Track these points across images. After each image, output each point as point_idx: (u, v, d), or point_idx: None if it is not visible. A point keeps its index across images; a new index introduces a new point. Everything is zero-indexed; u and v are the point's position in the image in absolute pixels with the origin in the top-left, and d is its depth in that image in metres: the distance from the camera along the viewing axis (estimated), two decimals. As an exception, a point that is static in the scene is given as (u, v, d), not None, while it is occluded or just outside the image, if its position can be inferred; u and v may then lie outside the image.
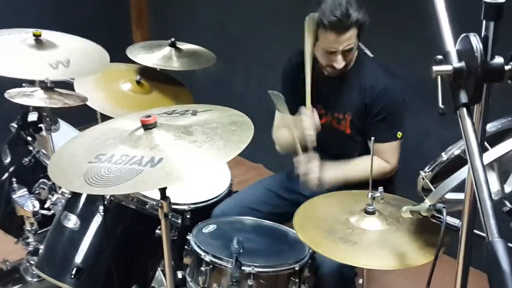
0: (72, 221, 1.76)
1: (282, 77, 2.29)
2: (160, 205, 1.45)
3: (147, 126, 1.37)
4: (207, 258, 1.81)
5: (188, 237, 1.92)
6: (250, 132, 1.38)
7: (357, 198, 1.68)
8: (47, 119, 1.95)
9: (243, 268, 1.73)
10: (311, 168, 2.05)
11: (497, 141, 1.33)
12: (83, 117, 2.48)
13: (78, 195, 1.79)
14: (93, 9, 3.87)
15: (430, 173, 1.39)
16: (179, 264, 2.04)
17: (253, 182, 2.42)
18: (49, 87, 1.83)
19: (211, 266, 1.80)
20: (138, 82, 2.67)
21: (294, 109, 2.12)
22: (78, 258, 1.72)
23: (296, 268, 1.80)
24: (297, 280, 1.81)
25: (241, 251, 1.74)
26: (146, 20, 4.23)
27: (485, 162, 1.29)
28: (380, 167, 2.05)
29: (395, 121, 2.06)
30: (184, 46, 2.86)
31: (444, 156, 1.41)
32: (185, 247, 1.89)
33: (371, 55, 2.10)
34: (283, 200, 2.31)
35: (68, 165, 1.33)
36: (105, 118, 2.62)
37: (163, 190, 1.45)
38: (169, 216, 1.49)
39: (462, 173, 1.32)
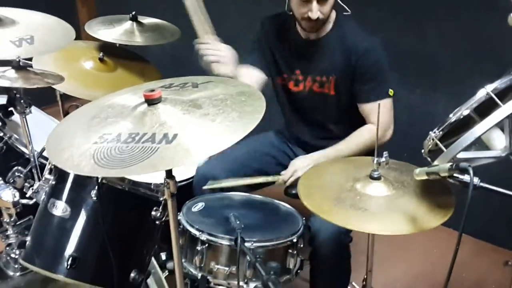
0: (60, 209, 1.64)
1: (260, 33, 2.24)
2: (166, 184, 1.37)
3: (151, 101, 1.28)
4: (203, 236, 1.75)
5: (178, 217, 1.85)
6: (262, 102, 1.32)
7: (359, 164, 1.66)
8: (21, 101, 1.79)
9: (242, 247, 1.68)
10: (291, 172, 2.05)
11: (506, 96, 1.34)
12: (42, 98, 2.35)
13: (64, 180, 1.67)
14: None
15: (440, 133, 1.38)
16: (160, 246, 1.97)
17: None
18: (21, 66, 1.69)
19: (207, 244, 1.75)
20: (101, 60, 2.55)
21: (266, 69, 2.14)
22: (72, 246, 1.62)
23: (294, 240, 1.78)
24: (294, 252, 1.79)
25: (243, 226, 1.70)
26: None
27: (500, 118, 1.32)
28: (371, 132, 2.04)
29: (384, 78, 2.06)
30: (146, 20, 2.74)
31: (453, 117, 1.40)
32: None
33: (349, 12, 2.07)
34: (272, 158, 2.28)
35: (71, 148, 1.22)
36: (66, 97, 2.50)
37: (169, 170, 1.37)
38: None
39: (475, 132, 1.33)
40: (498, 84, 1.35)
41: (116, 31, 2.61)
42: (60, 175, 1.68)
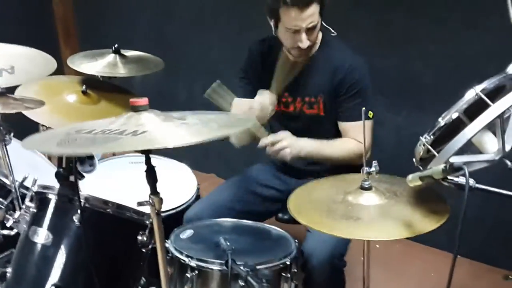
0: (42, 236, 1.57)
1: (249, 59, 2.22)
2: (151, 201, 1.32)
3: (136, 108, 1.26)
4: (193, 263, 1.70)
5: (166, 245, 1.79)
6: (252, 121, 1.30)
7: (349, 180, 1.63)
8: (1, 128, 1.75)
9: (233, 267, 1.62)
10: (280, 138, 1.98)
11: (495, 97, 1.32)
12: (25, 132, 2.29)
13: (46, 206, 1.61)
14: (16, 29, 3.62)
15: (431, 137, 1.36)
16: (150, 280, 1.89)
17: (222, 183, 2.31)
18: (0, 92, 1.66)
19: (197, 271, 1.69)
20: (84, 93, 2.51)
21: (255, 94, 2.09)
22: (55, 275, 1.54)
23: (287, 263, 1.72)
24: (288, 275, 1.73)
25: (234, 247, 1.64)
26: (74, 37, 4.05)
27: (491, 118, 1.29)
28: (357, 147, 2.02)
29: (365, 99, 2.04)
30: (129, 53, 2.74)
31: (442, 121, 1.38)
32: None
33: (334, 33, 2.08)
34: (257, 197, 2.23)
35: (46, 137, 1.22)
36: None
37: (153, 185, 1.32)
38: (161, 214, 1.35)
39: (466, 134, 1.30)
40: (487, 84, 1.33)
41: (99, 64, 2.60)
42: (42, 201, 1.62)
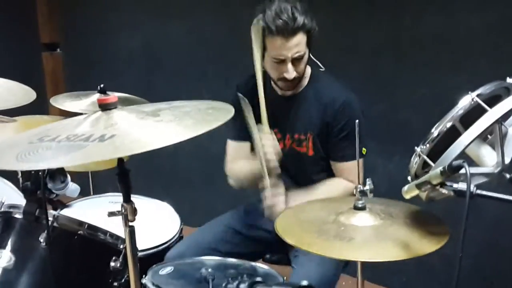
0: (4, 258, 1.42)
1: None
2: (123, 211, 1.20)
3: (105, 106, 1.17)
4: (171, 298, 1.55)
5: (143, 280, 1.65)
6: (229, 113, 1.21)
7: (341, 201, 1.53)
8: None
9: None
10: (277, 200, 1.90)
11: (491, 105, 1.26)
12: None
13: (10, 227, 1.47)
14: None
15: (426, 146, 1.28)
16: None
17: (209, 222, 2.18)
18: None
19: (176, 307, 1.55)
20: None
21: (247, 133, 1.98)
22: (16, 302, 1.38)
23: (273, 300, 1.58)
24: (275, 313, 1.58)
25: (216, 276, 1.50)
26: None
27: (488, 123, 1.22)
28: (347, 188, 1.93)
29: (359, 135, 1.96)
30: (115, 94, 2.68)
31: (435, 132, 1.31)
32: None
33: (323, 68, 2.04)
34: (243, 238, 2.10)
35: (2, 147, 1.11)
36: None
37: (126, 191, 1.21)
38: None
39: (463, 141, 1.23)
40: (483, 90, 1.28)
41: (84, 103, 2.55)
42: (7, 221, 1.49)
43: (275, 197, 1.89)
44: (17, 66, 3.71)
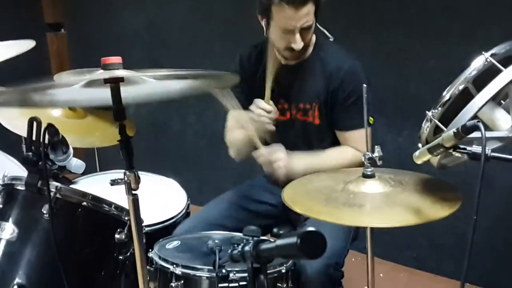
0: (7, 231, 1.40)
1: (240, 67, 2.11)
2: (126, 178, 1.17)
3: (108, 67, 1.15)
4: (178, 270, 1.54)
5: (150, 254, 1.63)
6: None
7: (348, 171, 1.49)
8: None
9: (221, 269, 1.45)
10: (276, 155, 1.88)
11: (506, 65, 1.21)
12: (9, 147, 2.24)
13: (13, 199, 1.45)
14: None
15: (438, 110, 1.23)
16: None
17: (214, 199, 2.16)
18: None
19: (183, 280, 1.53)
20: (69, 107, 2.41)
21: (249, 103, 1.96)
22: (20, 274, 1.36)
23: (283, 271, 1.57)
24: (284, 285, 1.58)
25: (222, 247, 1.48)
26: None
27: (503, 83, 1.17)
28: (355, 157, 1.89)
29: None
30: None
31: (446, 95, 1.27)
32: (148, 268, 1.58)
33: (331, 38, 1.99)
34: (249, 213, 2.07)
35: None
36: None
37: (128, 159, 1.18)
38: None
39: (477, 102, 1.19)
40: (497, 49, 1.23)
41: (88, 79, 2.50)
42: (9, 194, 1.46)
43: (274, 153, 1.88)
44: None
